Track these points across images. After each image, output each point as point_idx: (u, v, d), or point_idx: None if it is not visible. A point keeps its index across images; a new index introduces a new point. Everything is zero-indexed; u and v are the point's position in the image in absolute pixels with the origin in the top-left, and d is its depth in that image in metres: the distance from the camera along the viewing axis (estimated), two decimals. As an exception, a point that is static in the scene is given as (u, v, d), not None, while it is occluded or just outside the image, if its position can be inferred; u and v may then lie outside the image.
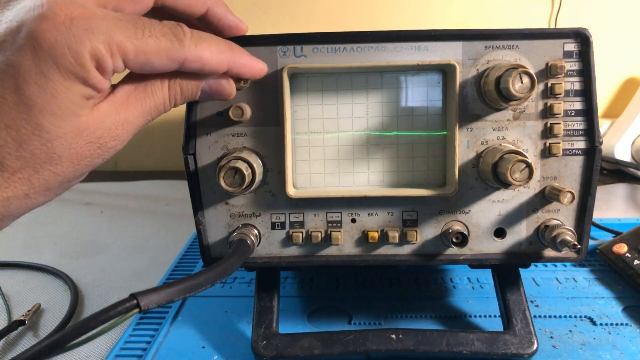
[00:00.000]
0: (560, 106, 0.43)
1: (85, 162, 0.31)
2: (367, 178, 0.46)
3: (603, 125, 1.05)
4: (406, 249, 0.46)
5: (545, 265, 0.64)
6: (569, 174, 0.44)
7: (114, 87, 0.33)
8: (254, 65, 0.39)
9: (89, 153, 0.31)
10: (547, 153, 0.43)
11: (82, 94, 0.30)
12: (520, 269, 0.49)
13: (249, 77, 0.39)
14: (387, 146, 0.45)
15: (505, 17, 1.12)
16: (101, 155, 0.32)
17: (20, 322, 0.53)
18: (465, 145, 0.44)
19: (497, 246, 0.46)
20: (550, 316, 0.53)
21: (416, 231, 0.45)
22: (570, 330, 0.50)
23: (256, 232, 0.45)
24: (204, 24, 0.40)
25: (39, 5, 0.28)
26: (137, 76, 0.34)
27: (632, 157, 0.99)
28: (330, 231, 0.45)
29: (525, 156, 0.40)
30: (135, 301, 0.30)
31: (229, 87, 0.39)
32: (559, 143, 0.43)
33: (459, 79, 0.42)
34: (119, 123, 0.32)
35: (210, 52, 0.35)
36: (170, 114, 0.38)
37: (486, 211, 0.45)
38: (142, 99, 0.34)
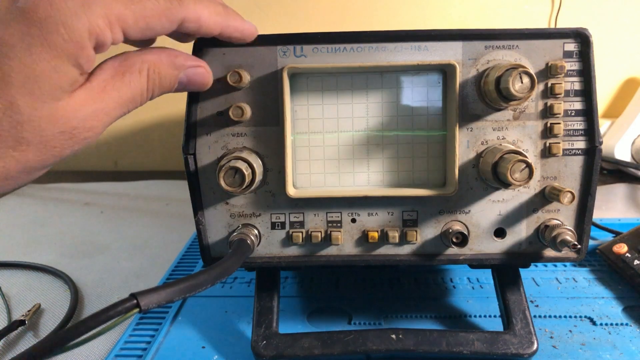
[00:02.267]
0: (560, 106, 0.43)
1: (54, 152, 0.29)
2: (367, 178, 0.46)
3: (603, 125, 1.05)
4: (406, 249, 0.46)
5: (545, 265, 0.64)
6: (569, 174, 0.44)
7: (89, 75, 0.31)
8: (245, 28, 0.38)
9: (59, 143, 0.29)
10: (547, 153, 0.44)
11: (67, 76, 0.28)
12: (520, 269, 0.49)
13: (239, 40, 0.38)
14: (387, 146, 0.45)
15: (505, 17, 1.12)
16: (71, 147, 0.30)
17: (20, 322, 0.53)
18: (465, 145, 0.44)
19: (497, 246, 0.46)
20: (550, 316, 0.53)
21: (416, 231, 0.45)
22: (570, 330, 0.50)
23: (256, 232, 0.45)
24: None
25: None
26: (114, 65, 0.32)
27: (632, 157, 0.99)
28: (330, 231, 0.45)
29: (525, 156, 0.40)
30: (135, 301, 0.30)
31: (207, 75, 0.38)
32: (559, 143, 0.43)
33: (459, 79, 0.42)
34: (95, 113, 0.30)
35: (209, 13, 0.34)
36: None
37: (486, 211, 0.45)
38: (119, 88, 0.31)
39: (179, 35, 0.36)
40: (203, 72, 0.37)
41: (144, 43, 0.37)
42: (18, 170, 0.28)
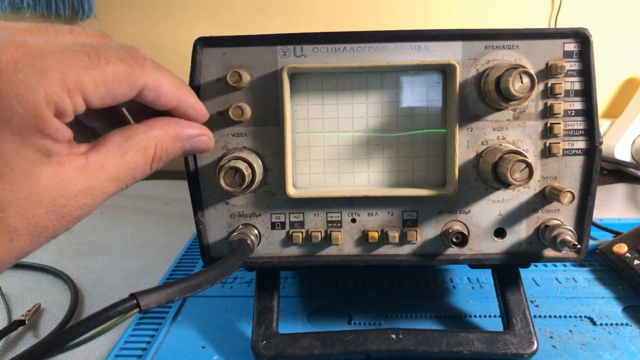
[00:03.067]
0: (560, 106, 0.43)
1: (47, 234, 0.27)
2: (367, 178, 0.46)
3: (603, 125, 1.05)
4: (406, 249, 0.46)
5: (545, 265, 0.64)
6: (569, 174, 0.44)
7: (87, 148, 0.29)
8: (200, 108, 0.36)
9: (51, 224, 0.26)
10: (547, 153, 0.43)
11: (40, 149, 0.25)
12: (520, 269, 0.49)
13: (193, 118, 0.35)
14: (387, 146, 0.45)
15: (505, 17, 1.12)
16: (65, 226, 0.28)
17: (20, 322, 0.53)
18: (465, 145, 0.44)
19: (497, 246, 0.46)
20: (550, 316, 0.53)
21: (416, 231, 0.45)
22: (570, 330, 0.50)
23: (256, 232, 0.45)
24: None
25: None
26: (118, 141, 0.30)
27: (632, 157, 0.99)
28: (330, 231, 0.45)
29: (525, 156, 0.40)
30: (135, 301, 0.30)
31: (210, 142, 0.37)
32: (559, 143, 0.43)
33: (459, 79, 0.42)
34: (88, 191, 0.27)
35: (168, 83, 0.31)
36: None
37: (486, 211, 0.45)
38: (119, 166, 0.29)
39: (133, 106, 0.34)
40: (206, 140, 0.36)
41: (106, 112, 0.35)
42: (13, 257, 0.26)
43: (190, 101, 0.34)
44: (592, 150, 0.43)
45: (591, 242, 0.64)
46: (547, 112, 0.43)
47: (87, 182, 0.27)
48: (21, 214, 0.25)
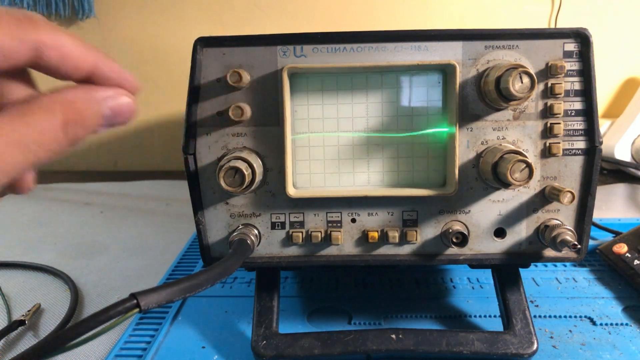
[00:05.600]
0: (560, 106, 0.43)
1: None
2: (367, 178, 0.46)
3: (603, 125, 1.05)
4: (406, 249, 0.46)
5: (545, 265, 0.64)
6: (569, 174, 0.44)
7: None
8: (125, 75, 0.31)
9: None
10: (547, 153, 0.44)
11: None
12: (520, 269, 0.49)
13: (117, 84, 0.31)
14: (387, 146, 0.45)
15: (505, 17, 1.12)
16: None
17: (20, 322, 0.53)
18: (465, 145, 0.44)
19: (497, 246, 0.46)
20: (550, 316, 0.53)
21: (416, 231, 0.45)
22: (570, 330, 0.50)
23: (256, 232, 0.45)
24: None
25: None
26: (15, 105, 0.26)
27: (632, 157, 0.99)
28: (330, 231, 0.45)
29: (525, 156, 0.40)
30: (135, 301, 0.30)
31: (133, 104, 0.31)
32: (559, 143, 0.43)
33: (459, 79, 0.42)
34: None
35: (72, 43, 0.28)
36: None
37: (486, 211, 0.45)
38: (21, 131, 0.25)
39: (44, 70, 0.29)
40: (128, 102, 0.30)
41: (11, 76, 0.30)
42: None
43: (111, 64, 0.30)
44: (592, 150, 0.43)
45: (591, 242, 0.64)
46: (547, 112, 0.43)
47: None
48: None
